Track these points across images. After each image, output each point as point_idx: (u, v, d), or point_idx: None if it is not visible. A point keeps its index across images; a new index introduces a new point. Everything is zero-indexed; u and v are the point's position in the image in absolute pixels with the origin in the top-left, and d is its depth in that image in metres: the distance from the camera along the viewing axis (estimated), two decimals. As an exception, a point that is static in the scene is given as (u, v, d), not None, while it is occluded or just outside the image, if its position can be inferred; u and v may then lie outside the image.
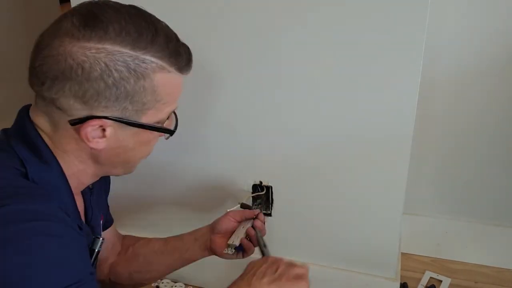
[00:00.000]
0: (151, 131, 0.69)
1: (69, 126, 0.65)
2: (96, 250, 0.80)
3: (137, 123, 0.66)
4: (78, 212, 0.74)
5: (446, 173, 1.37)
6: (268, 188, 1.15)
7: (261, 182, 1.16)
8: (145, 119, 0.67)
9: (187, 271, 1.35)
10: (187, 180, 1.24)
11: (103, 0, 0.65)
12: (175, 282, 1.36)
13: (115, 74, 0.61)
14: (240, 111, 1.11)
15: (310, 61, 1.01)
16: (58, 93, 0.62)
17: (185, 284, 1.35)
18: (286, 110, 1.08)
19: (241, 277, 0.77)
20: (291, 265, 0.80)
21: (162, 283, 1.36)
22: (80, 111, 0.63)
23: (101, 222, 0.87)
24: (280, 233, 1.18)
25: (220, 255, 0.96)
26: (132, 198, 1.33)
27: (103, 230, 0.91)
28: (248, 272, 0.78)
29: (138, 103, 0.65)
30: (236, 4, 1.00)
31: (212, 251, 0.97)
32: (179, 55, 0.67)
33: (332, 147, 1.08)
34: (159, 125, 0.70)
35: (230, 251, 0.93)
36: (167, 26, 0.68)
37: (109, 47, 0.61)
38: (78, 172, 0.71)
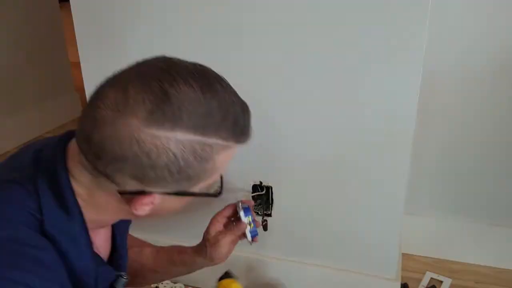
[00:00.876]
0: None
1: (115, 193, 0.61)
2: None
3: (188, 192, 0.63)
4: (96, 258, 0.70)
5: (447, 174, 1.37)
6: (268, 188, 1.15)
7: (261, 182, 1.16)
8: (195, 189, 0.64)
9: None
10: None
11: (171, 64, 0.60)
12: (175, 283, 1.36)
13: (181, 163, 0.58)
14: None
15: (310, 61, 1.01)
16: (114, 171, 0.58)
17: (184, 285, 1.35)
18: (286, 110, 1.08)
19: None
20: None
21: (162, 283, 1.35)
22: (133, 187, 0.59)
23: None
24: (280, 233, 1.18)
25: (226, 255, 0.93)
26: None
27: None
28: None
29: (194, 180, 0.62)
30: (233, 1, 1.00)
31: (217, 259, 0.93)
32: (243, 133, 0.65)
33: (332, 147, 1.08)
34: (205, 191, 0.66)
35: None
36: (234, 94, 0.65)
37: (180, 135, 0.56)
38: (104, 221, 0.70)
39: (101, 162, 0.58)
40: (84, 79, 1.21)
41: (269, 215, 1.17)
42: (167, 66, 0.59)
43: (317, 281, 1.25)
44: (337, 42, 0.97)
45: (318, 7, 0.95)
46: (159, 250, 0.98)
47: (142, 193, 0.60)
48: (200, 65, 0.63)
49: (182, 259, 0.95)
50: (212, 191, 0.67)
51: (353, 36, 0.96)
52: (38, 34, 2.30)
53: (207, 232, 0.93)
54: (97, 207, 0.65)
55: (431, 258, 1.44)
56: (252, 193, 1.15)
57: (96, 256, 0.70)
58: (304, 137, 1.09)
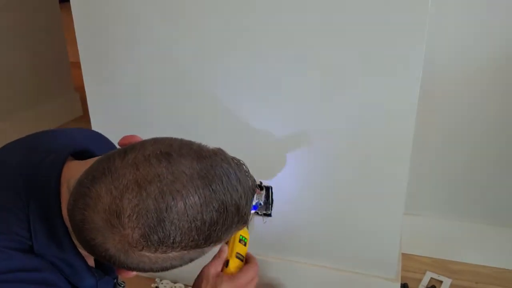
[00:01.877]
0: None
1: None
2: None
3: None
4: (98, 272, 0.70)
5: (447, 174, 1.37)
6: (268, 188, 1.15)
7: (261, 182, 1.15)
8: None
9: (187, 271, 1.35)
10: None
11: (173, 170, 0.55)
12: (175, 283, 1.36)
13: (176, 266, 0.57)
14: (240, 112, 1.11)
15: (310, 62, 1.01)
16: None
17: (184, 285, 1.35)
18: (286, 111, 1.08)
19: None
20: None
21: (162, 283, 1.35)
22: None
23: None
24: (280, 233, 1.18)
25: None
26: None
27: None
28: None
29: None
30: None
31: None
32: (243, 223, 0.62)
33: (332, 147, 1.08)
34: None
35: None
36: (234, 194, 0.59)
37: (171, 255, 0.55)
38: None
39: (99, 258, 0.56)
40: (84, 79, 1.21)
41: (269, 215, 1.17)
42: (167, 171, 0.54)
43: (317, 281, 1.25)
44: (337, 42, 0.97)
45: (318, 7, 0.95)
46: None
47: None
48: (206, 161, 0.59)
49: None
50: None
51: (353, 36, 0.96)
52: (38, 34, 2.30)
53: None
54: None
55: (431, 258, 1.44)
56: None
57: (94, 271, 0.69)
58: (304, 137, 1.09)
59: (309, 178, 1.14)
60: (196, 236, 0.54)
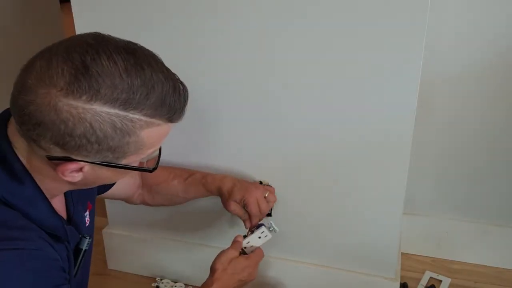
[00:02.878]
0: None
1: (46, 160, 0.64)
2: (83, 249, 0.81)
3: (116, 164, 0.66)
4: (59, 216, 0.74)
5: (446, 173, 1.37)
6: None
7: (261, 182, 1.16)
8: (125, 162, 0.66)
9: (187, 271, 1.36)
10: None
11: (100, 40, 0.61)
12: (175, 282, 1.36)
13: (99, 133, 0.60)
14: (240, 112, 1.11)
15: (310, 62, 1.01)
16: (39, 136, 0.60)
17: (185, 284, 1.35)
18: (286, 111, 1.08)
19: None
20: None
21: (162, 283, 1.36)
22: (59, 153, 0.62)
23: (88, 212, 0.87)
24: (280, 233, 1.18)
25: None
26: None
27: (105, 191, 0.98)
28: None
29: (119, 153, 0.64)
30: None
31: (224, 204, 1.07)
32: (172, 109, 0.64)
33: (332, 147, 1.08)
34: (136, 166, 0.69)
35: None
36: (165, 75, 0.64)
37: (97, 108, 0.58)
38: (54, 189, 0.72)
39: (26, 127, 0.61)
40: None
41: (269, 215, 1.17)
42: (95, 41, 0.61)
43: (317, 281, 1.25)
44: (336, 43, 0.97)
45: (318, 7, 0.95)
46: (187, 178, 1.10)
47: (68, 159, 0.63)
48: (134, 44, 0.65)
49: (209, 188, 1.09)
50: (149, 165, 0.71)
51: (353, 37, 0.96)
52: (38, 34, 2.30)
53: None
54: (39, 173, 0.68)
55: (430, 257, 1.44)
56: None
57: (60, 216, 0.74)
58: (304, 137, 1.09)
59: (309, 178, 1.14)
60: (118, 95, 0.59)
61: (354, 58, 0.98)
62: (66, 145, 0.60)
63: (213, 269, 0.94)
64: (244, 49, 1.04)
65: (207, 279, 0.93)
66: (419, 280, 1.36)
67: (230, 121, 1.13)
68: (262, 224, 1.06)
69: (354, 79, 1.00)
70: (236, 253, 0.97)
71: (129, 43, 0.64)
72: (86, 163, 0.64)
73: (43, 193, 0.69)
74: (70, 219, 0.80)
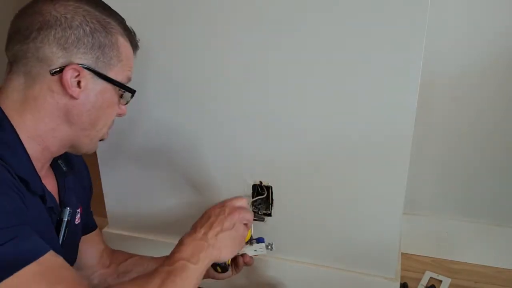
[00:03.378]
0: (115, 91, 0.78)
1: (48, 77, 0.72)
2: (65, 220, 0.81)
3: (106, 76, 0.76)
4: (42, 184, 0.74)
5: (446, 173, 1.37)
6: (268, 188, 1.15)
7: (261, 182, 1.16)
8: (111, 75, 0.76)
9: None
10: (187, 180, 1.24)
11: None
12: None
13: (91, 25, 0.73)
14: (240, 112, 1.11)
15: (309, 62, 1.01)
16: (43, 41, 0.70)
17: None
18: (286, 111, 1.08)
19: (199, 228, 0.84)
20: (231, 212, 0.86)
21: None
22: (61, 59, 0.72)
23: (79, 213, 0.88)
24: (280, 233, 1.18)
25: (213, 276, 0.94)
26: (132, 200, 1.33)
27: (84, 234, 0.94)
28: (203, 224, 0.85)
29: (107, 56, 0.75)
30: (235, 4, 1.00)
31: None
32: (132, 34, 0.82)
33: (332, 147, 1.08)
34: (122, 82, 0.79)
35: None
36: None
37: (84, 6, 0.74)
38: (45, 133, 0.74)
39: (31, 38, 0.71)
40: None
41: (269, 215, 1.17)
42: None
43: (317, 281, 1.25)
44: (336, 43, 0.97)
45: (318, 7, 0.95)
46: (161, 259, 1.01)
47: (68, 66, 0.71)
48: None
49: None
50: (122, 112, 0.83)
51: (352, 37, 0.96)
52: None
53: None
54: (33, 114, 0.72)
55: (430, 257, 1.44)
56: (252, 193, 1.16)
57: (36, 172, 0.74)
58: (304, 137, 1.09)
59: (309, 178, 1.14)
60: (98, 3, 0.76)
61: (354, 58, 0.98)
62: (68, 41, 0.71)
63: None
64: (245, 49, 1.04)
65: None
66: (419, 280, 1.36)
67: (229, 120, 1.13)
68: (263, 239, 0.98)
69: (354, 79, 1.00)
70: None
71: None
72: (83, 68, 0.73)
73: (22, 143, 0.72)
74: (61, 203, 0.82)
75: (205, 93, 1.12)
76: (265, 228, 1.20)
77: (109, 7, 0.78)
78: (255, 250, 0.98)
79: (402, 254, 1.41)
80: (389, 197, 1.09)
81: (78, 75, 0.72)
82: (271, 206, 1.17)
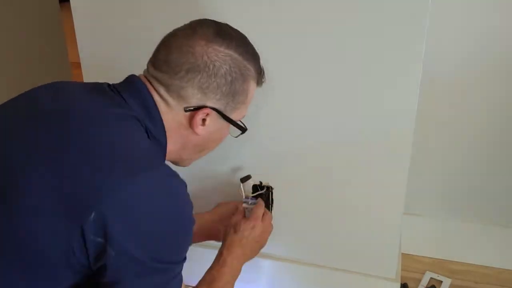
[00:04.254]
0: (230, 126, 0.87)
1: (182, 112, 0.79)
2: None
3: (229, 117, 0.83)
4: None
5: (447, 173, 1.37)
6: (268, 188, 1.15)
7: (261, 182, 1.15)
8: (233, 116, 0.84)
9: (187, 271, 1.35)
10: (186, 180, 1.24)
11: (221, 22, 0.83)
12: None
13: (233, 75, 0.79)
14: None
15: (309, 62, 1.01)
16: (188, 83, 0.77)
17: (185, 285, 1.35)
18: (286, 110, 1.08)
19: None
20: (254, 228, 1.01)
21: (162, 283, 1.35)
22: (197, 101, 0.78)
23: None
24: (280, 233, 1.18)
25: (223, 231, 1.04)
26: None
27: None
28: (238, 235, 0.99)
29: (235, 102, 0.82)
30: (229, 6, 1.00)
31: (212, 237, 1.09)
32: (263, 73, 0.87)
33: (332, 147, 1.08)
34: (239, 123, 0.87)
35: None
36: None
37: (234, 54, 0.79)
38: (169, 153, 0.84)
39: (179, 76, 0.77)
40: (84, 79, 1.21)
41: (270, 208, 1.17)
42: (221, 23, 0.83)
43: (317, 281, 1.25)
44: (337, 42, 0.97)
45: (318, 7, 0.95)
46: None
47: (201, 107, 0.78)
48: None
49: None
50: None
51: (353, 37, 0.96)
52: (38, 34, 2.30)
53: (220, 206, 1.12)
54: (168, 132, 0.80)
55: (430, 258, 1.44)
56: (252, 193, 1.15)
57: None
58: (304, 137, 1.09)
59: (309, 178, 1.14)
60: (240, 48, 0.80)
61: (354, 58, 0.98)
62: (209, 87, 0.78)
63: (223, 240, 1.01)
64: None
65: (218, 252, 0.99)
66: (419, 280, 1.36)
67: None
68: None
69: (354, 79, 1.00)
70: (240, 216, 1.03)
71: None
72: (212, 110, 0.80)
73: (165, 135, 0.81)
74: None
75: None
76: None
77: (253, 49, 0.84)
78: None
79: (402, 254, 1.41)
80: (389, 197, 1.09)
81: (207, 115, 0.80)
82: (271, 206, 1.17)
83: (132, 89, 0.79)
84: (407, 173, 1.06)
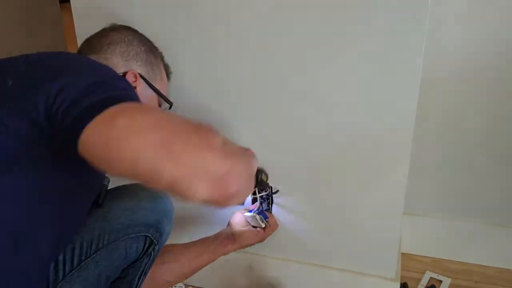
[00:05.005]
0: (157, 101, 0.97)
1: None
2: None
3: (154, 86, 0.95)
4: None
5: (447, 173, 1.37)
6: (268, 188, 1.15)
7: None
8: (156, 85, 0.96)
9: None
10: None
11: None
12: (175, 282, 1.36)
13: (145, 47, 0.96)
14: (240, 112, 1.11)
15: (309, 62, 1.01)
16: (112, 53, 0.91)
17: (185, 285, 1.35)
18: (286, 110, 1.08)
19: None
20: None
21: (162, 283, 1.35)
22: (123, 68, 0.91)
23: None
24: (280, 233, 1.18)
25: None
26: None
27: None
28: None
29: (154, 72, 0.96)
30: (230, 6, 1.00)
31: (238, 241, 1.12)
32: (168, 66, 1.04)
33: (332, 147, 1.08)
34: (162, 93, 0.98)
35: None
36: None
37: (139, 35, 0.98)
38: None
39: (103, 50, 0.92)
40: (84, 79, 1.21)
41: (268, 210, 1.17)
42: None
43: (317, 281, 1.25)
44: (336, 42, 0.97)
45: (318, 7, 0.95)
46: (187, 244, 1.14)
47: (128, 72, 0.91)
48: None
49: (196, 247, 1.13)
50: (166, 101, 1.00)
51: (353, 37, 0.96)
52: (38, 34, 2.30)
53: (232, 219, 1.15)
54: None
55: (430, 258, 1.44)
56: (253, 194, 1.15)
57: None
58: (304, 137, 1.09)
59: (309, 178, 1.14)
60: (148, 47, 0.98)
61: (354, 58, 0.98)
62: (129, 55, 0.92)
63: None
64: (244, 49, 1.04)
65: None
66: (419, 280, 1.36)
67: (230, 122, 1.13)
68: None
69: (354, 79, 1.00)
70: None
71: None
72: (140, 77, 0.92)
73: None
74: None
75: (205, 94, 1.11)
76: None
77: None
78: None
79: (402, 254, 1.41)
80: (389, 197, 1.09)
81: (135, 81, 0.91)
82: (271, 205, 1.17)
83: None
84: (407, 173, 1.06)
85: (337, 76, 1.00)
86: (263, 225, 1.11)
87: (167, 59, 1.06)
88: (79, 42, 1.17)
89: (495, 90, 1.24)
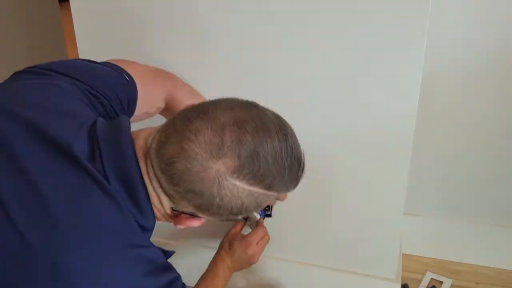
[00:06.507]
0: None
1: (169, 208, 0.68)
2: None
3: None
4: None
5: (447, 174, 1.37)
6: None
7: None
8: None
9: (187, 271, 1.35)
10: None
11: (266, 122, 0.66)
12: (175, 283, 1.35)
13: (243, 209, 0.64)
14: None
15: (309, 61, 1.01)
16: (182, 199, 0.64)
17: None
18: (285, 110, 1.07)
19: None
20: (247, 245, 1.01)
21: (162, 283, 1.35)
22: (186, 209, 0.67)
23: None
24: (280, 233, 1.18)
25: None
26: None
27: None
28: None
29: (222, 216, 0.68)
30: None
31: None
32: (290, 188, 0.73)
33: (332, 147, 1.08)
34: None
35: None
36: (298, 154, 0.72)
37: (254, 190, 0.63)
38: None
39: (175, 189, 0.63)
40: (84, 79, 1.21)
41: (269, 215, 1.17)
42: (259, 118, 0.65)
43: (317, 282, 1.25)
44: (337, 42, 0.97)
45: (318, 7, 0.95)
46: None
47: (192, 215, 0.68)
48: (279, 118, 0.72)
49: None
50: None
51: (353, 36, 0.96)
52: (38, 34, 2.30)
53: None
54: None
55: (431, 258, 1.44)
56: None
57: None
58: (304, 137, 1.09)
59: (309, 178, 1.13)
60: (275, 173, 0.63)
61: (354, 57, 0.97)
62: (207, 211, 0.65)
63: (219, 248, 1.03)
64: (244, 48, 1.04)
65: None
66: (420, 281, 1.36)
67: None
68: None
69: (354, 78, 0.99)
70: (238, 229, 1.06)
71: (278, 118, 0.72)
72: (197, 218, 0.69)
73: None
74: None
75: (205, 93, 1.11)
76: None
77: (282, 168, 0.66)
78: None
79: (403, 254, 1.40)
80: (389, 197, 1.09)
81: (198, 222, 0.71)
82: (271, 206, 1.17)
83: (120, 170, 0.64)
84: (407, 173, 1.06)
85: (337, 76, 1.00)
86: (258, 217, 1.10)
87: (167, 58, 1.06)
88: (79, 42, 1.17)
89: (496, 90, 1.24)
